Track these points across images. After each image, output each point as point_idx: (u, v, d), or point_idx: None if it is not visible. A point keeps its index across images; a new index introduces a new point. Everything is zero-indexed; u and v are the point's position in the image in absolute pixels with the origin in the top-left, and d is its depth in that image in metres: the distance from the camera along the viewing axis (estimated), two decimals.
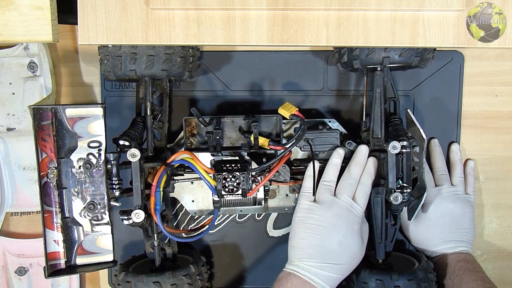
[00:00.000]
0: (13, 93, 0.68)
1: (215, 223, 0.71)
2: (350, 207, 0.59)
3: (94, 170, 0.59)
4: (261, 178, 0.61)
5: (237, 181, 0.59)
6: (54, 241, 0.60)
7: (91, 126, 0.59)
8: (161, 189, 0.60)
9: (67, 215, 0.60)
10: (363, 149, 0.61)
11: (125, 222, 0.58)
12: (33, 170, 0.69)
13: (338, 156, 0.61)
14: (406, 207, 0.62)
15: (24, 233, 0.72)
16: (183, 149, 0.64)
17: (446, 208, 0.65)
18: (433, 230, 0.65)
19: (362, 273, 0.60)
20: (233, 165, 0.60)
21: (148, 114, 0.62)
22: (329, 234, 0.57)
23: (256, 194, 0.63)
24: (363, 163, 0.60)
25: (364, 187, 0.60)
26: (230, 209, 0.68)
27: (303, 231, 0.58)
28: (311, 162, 0.60)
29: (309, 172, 0.61)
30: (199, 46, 0.66)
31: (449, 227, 0.65)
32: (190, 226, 0.71)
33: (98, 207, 0.60)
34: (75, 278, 0.71)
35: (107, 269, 0.70)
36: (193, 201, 0.67)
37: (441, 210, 0.65)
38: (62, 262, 0.60)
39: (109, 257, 0.61)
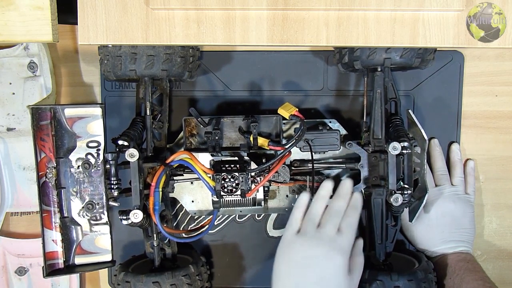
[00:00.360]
0: (13, 93, 0.68)
1: (215, 223, 0.71)
2: (333, 239, 0.54)
3: (92, 170, 0.59)
4: (260, 178, 0.61)
5: (236, 181, 0.59)
6: (53, 240, 0.60)
7: (90, 126, 0.59)
8: (160, 189, 0.60)
9: (65, 214, 0.60)
10: (347, 183, 0.58)
11: (124, 222, 0.58)
12: (33, 170, 0.69)
13: (325, 189, 0.58)
14: (407, 208, 0.62)
15: (24, 233, 0.72)
16: (182, 149, 0.63)
17: (446, 208, 0.65)
18: (433, 230, 0.65)
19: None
20: (232, 165, 0.60)
21: (148, 114, 0.62)
22: (309, 267, 0.53)
23: (256, 195, 0.63)
24: (347, 197, 0.57)
25: (349, 219, 0.56)
26: (229, 209, 0.68)
27: (283, 264, 0.55)
28: (302, 194, 0.58)
29: (297, 204, 0.58)
30: (199, 46, 0.66)
31: (450, 227, 0.65)
32: (190, 226, 0.71)
33: (97, 207, 0.60)
34: (75, 278, 0.71)
35: (106, 269, 0.70)
36: (192, 201, 0.67)
37: (442, 210, 0.65)
38: (60, 261, 0.60)
39: (108, 257, 0.61)
